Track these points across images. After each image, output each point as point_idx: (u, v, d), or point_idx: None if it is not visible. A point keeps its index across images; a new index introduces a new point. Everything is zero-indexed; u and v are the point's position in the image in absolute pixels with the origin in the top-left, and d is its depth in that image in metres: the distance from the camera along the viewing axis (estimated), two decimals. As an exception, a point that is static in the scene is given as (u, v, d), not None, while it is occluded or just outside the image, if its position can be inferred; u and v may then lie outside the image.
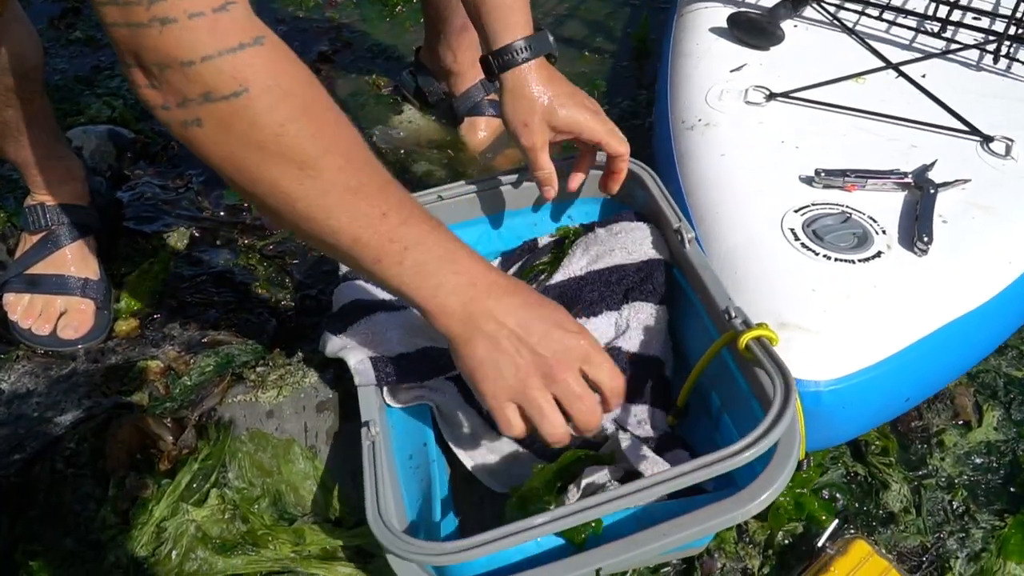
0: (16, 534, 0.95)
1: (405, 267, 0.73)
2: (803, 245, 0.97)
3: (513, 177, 1.10)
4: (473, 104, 1.52)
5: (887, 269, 0.95)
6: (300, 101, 0.69)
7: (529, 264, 1.09)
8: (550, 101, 0.98)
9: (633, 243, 1.03)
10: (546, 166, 1.01)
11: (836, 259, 0.95)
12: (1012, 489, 1.01)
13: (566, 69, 1.70)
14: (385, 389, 0.96)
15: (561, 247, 1.10)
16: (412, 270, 0.74)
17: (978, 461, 1.03)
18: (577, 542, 0.76)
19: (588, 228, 1.09)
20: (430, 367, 0.97)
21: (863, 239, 0.98)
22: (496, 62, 0.99)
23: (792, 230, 1.00)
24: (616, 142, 1.01)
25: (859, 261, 0.95)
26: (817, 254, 0.96)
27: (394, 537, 0.72)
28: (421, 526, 0.85)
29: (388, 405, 0.96)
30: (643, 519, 0.75)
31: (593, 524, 0.77)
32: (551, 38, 1.01)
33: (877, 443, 1.04)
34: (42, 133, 1.15)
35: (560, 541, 0.77)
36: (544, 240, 1.14)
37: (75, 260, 1.21)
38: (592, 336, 0.80)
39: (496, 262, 1.13)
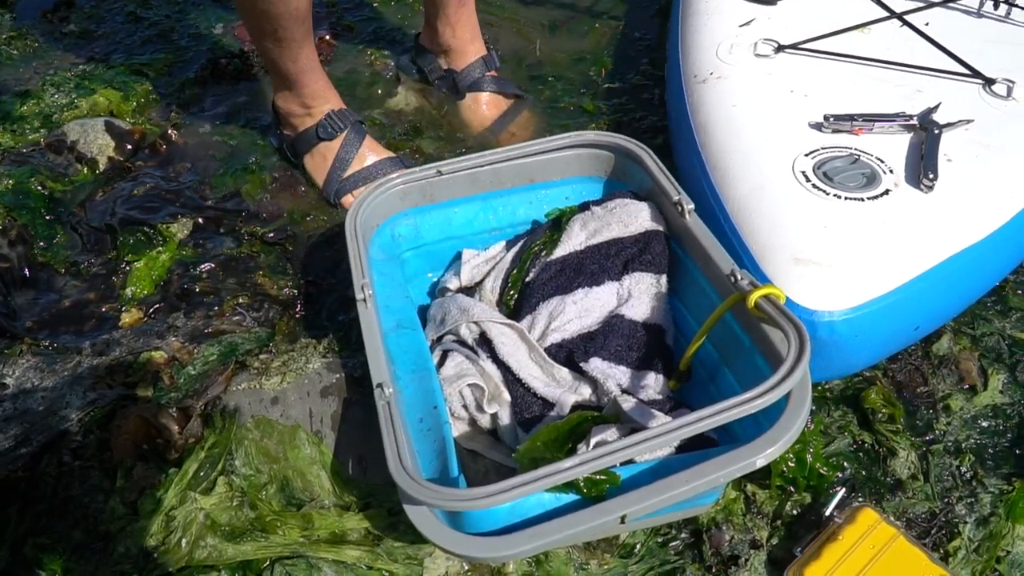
0: (25, 528, 0.96)
1: None
2: (814, 186, 1.01)
3: (511, 154, 1.10)
4: (474, 80, 1.53)
5: (895, 205, 0.99)
6: None
7: (527, 246, 1.09)
8: None
9: (629, 216, 1.04)
10: None
11: (846, 198, 0.99)
12: (1019, 452, 1.00)
13: (574, 44, 1.73)
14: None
15: (558, 226, 1.10)
16: None
17: (985, 425, 1.03)
18: (596, 495, 0.77)
19: (584, 207, 1.10)
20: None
21: (871, 178, 1.02)
22: None
23: (803, 172, 1.03)
24: None
25: (868, 199, 0.99)
26: (828, 194, 1.00)
27: (419, 485, 0.72)
28: (436, 483, 0.84)
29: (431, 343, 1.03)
30: (659, 473, 0.76)
31: (611, 477, 0.77)
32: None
33: (884, 411, 1.03)
34: (312, 43, 1.29)
35: (576, 497, 0.77)
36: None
37: (376, 146, 1.39)
38: None
39: (500, 245, 1.13)
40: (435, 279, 1.16)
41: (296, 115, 1.38)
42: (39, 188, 1.38)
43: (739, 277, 0.88)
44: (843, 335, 0.90)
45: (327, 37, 1.79)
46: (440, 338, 1.04)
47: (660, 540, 0.95)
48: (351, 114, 1.38)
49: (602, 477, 0.76)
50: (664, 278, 1.02)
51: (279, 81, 1.34)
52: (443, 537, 0.73)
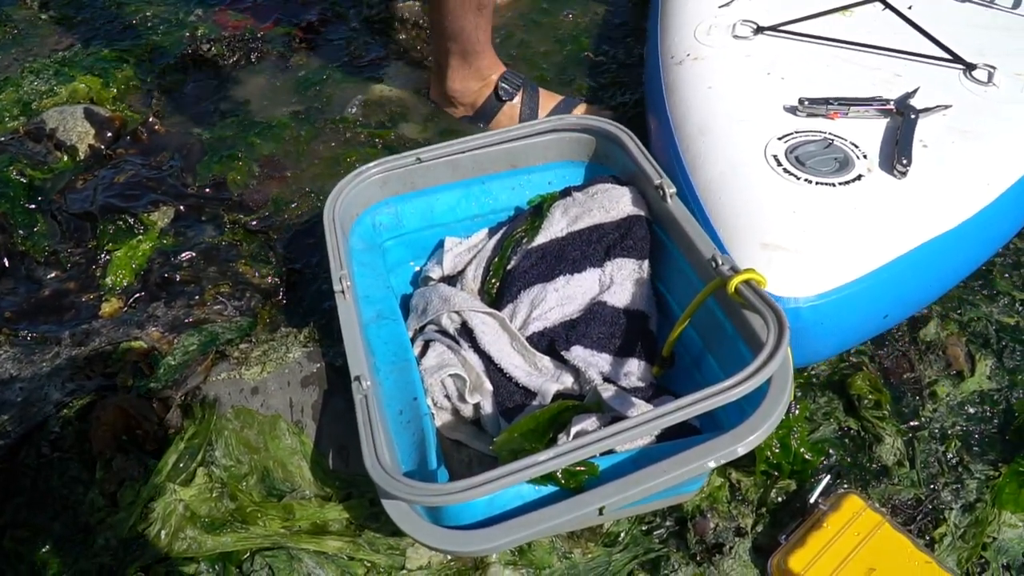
0: (4, 520, 0.95)
1: None
2: (785, 170, 0.99)
3: (492, 140, 1.09)
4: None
5: (867, 191, 0.97)
6: None
7: (509, 233, 1.08)
8: None
9: (610, 202, 1.03)
10: None
11: (817, 183, 0.97)
12: (1006, 437, 1.00)
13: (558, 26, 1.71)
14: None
15: (539, 213, 1.09)
16: None
17: (971, 411, 1.02)
18: (575, 487, 0.76)
19: (565, 193, 1.09)
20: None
21: (844, 163, 1.00)
22: None
23: (775, 156, 1.01)
24: None
25: (840, 184, 0.97)
26: (799, 178, 0.98)
27: (395, 481, 0.71)
28: (416, 476, 0.84)
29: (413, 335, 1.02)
30: (640, 463, 0.75)
31: (589, 468, 0.77)
32: None
33: (870, 397, 1.03)
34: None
35: (555, 489, 0.77)
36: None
37: (550, 93, 1.47)
38: None
39: (483, 233, 1.12)
40: (417, 268, 1.15)
41: (472, 91, 1.44)
42: (18, 176, 1.37)
43: (720, 262, 0.86)
44: (809, 322, 0.89)
45: (314, 23, 1.77)
46: (422, 328, 1.03)
47: (644, 528, 0.94)
48: (517, 73, 1.46)
49: (581, 468, 0.75)
50: (646, 263, 1.01)
51: (460, 60, 1.40)
52: (422, 532, 0.72)
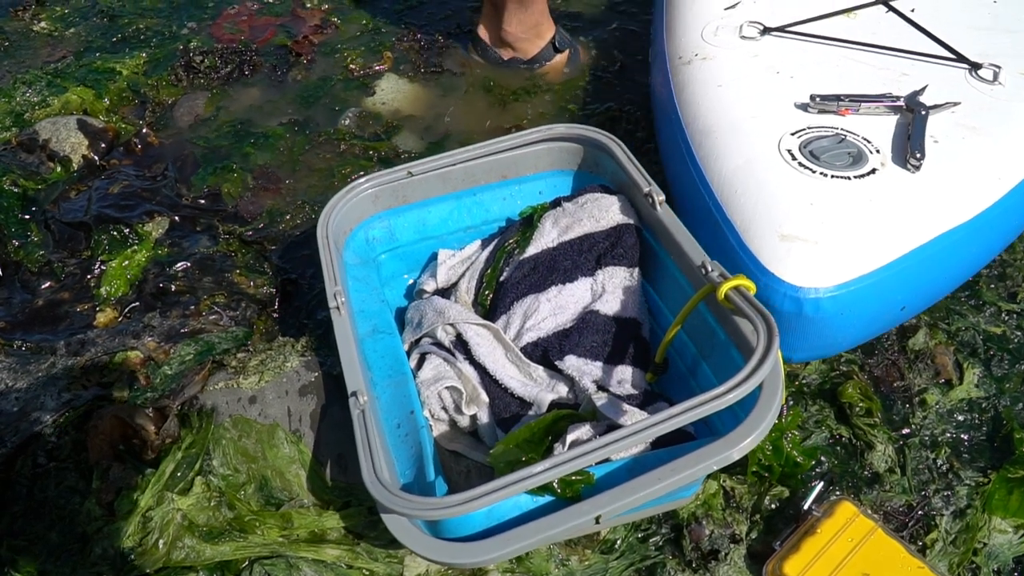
0: (1, 529, 0.95)
1: None
2: (800, 164, 1.00)
3: (482, 151, 1.10)
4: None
5: (882, 184, 0.98)
6: None
7: (501, 244, 1.09)
8: None
9: (600, 211, 1.04)
10: None
11: (832, 176, 0.99)
12: (995, 444, 1.01)
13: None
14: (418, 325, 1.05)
15: (530, 223, 1.10)
16: None
17: (960, 418, 1.04)
18: (571, 496, 0.77)
19: (555, 203, 1.10)
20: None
21: (858, 158, 1.01)
22: None
23: (789, 151, 1.02)
24: None
25: (855, 177, 0.98)
26: (814, 172, 0.99)
27: (392, 495, 0.72)
28: (414, 489, 0.85)
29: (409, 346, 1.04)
30: (635, 470, 0.76)
31: (585, 477, 0.77)
32: None
33: (861, 405, 1.04)
34: None
35: (551, 499, 0.77)
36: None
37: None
38: None
39: (475, 245, 1.13)
40: (412, 281, 1.16)
41: (522, 37, 1.63)
42: (11, 187, 1.37)
43: (710, 268, 0.88)
44: (829, 312, 0.90)
45: (310, 36, 1.77)
46: (418, 341, 1.03)
47: (640, 536, 0.95)
48: (563, 31, 1.69)
49: (577, 478, 0.76)
50: (637, 271, 1.03)
51: (518, 5, 1.56)
52: (421, 545, 0.73)
